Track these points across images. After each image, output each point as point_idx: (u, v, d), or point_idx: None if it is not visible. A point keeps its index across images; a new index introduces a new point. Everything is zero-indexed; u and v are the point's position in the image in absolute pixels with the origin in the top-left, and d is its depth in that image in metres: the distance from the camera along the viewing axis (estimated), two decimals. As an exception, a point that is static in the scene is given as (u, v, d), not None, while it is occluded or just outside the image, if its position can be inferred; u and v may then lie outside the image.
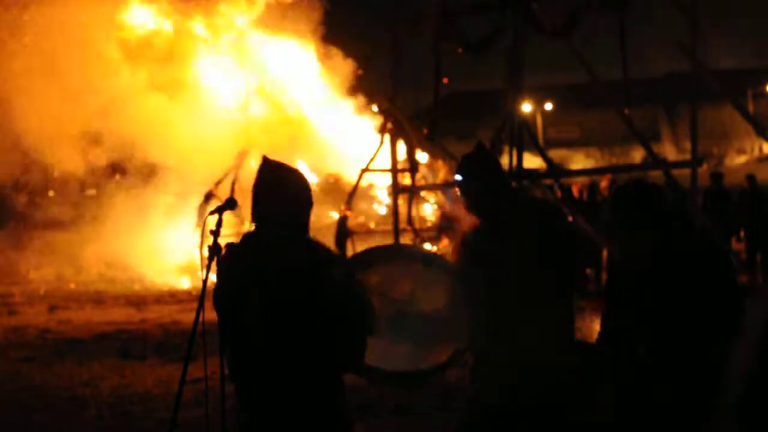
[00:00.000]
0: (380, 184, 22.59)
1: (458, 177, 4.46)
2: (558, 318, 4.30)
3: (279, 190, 3.76)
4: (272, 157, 3.86)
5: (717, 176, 16.93)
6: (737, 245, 16.66)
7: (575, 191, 18.14)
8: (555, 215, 4.47)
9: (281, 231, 3.73)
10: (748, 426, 3.53)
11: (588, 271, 14.88)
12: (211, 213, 3.86)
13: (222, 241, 3.75)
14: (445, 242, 17.48)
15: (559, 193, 17.50)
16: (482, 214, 4.43)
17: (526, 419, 4.24)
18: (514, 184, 14.57)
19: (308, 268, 3.65)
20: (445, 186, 20.26)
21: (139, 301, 17.44)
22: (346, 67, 22.48)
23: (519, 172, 16.25)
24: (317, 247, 3.76)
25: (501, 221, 4.37)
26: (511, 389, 4.23)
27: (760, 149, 38.13)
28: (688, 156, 17.89)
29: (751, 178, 16.22)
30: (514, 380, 4.21)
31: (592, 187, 17.35)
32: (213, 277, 3.75)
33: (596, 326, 4.37)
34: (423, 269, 4.35)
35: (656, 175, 16.67)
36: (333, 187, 21.92)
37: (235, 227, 18.25)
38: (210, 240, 3.72)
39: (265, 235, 3.76)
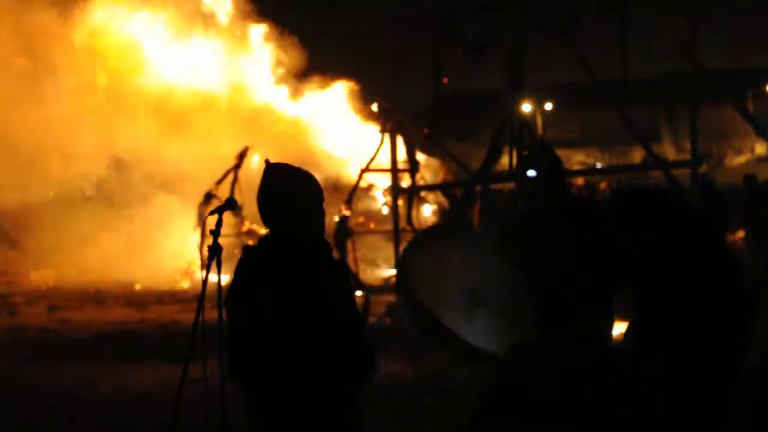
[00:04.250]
0: (380, 184, 22.59)
1: (531, 172, 4.59)
2: (594, 320, 4.36)
3: (286, 192, 3.72)
4: (274, 160, 3.83)
5: (704, 178, 16.71)
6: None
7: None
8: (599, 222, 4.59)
9: (293, 234, 3.69)
10: (762, 426, 3.53)
11: None
12: (211, 213, 3.85)
13: (222, 241, 3.74)
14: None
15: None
16: (543, 208, 4.58)
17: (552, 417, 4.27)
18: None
19: (319, 273, 3.64)
20: (445, 186, 20.26)
21: (139, 301, 17.44)
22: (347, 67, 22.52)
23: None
24: (328, 250, 3.76)
25: (558, 218, 4.52)
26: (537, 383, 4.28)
27: (753, 149, 38.11)
28: (688, 156, 17.87)
29: (750, 177, 16.16)
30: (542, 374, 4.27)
31: (592, 188, 17.34)
32: (213, 277, 3.74)
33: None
34: (489, 256, 4.37)
35: (656, 175, 16.65)
36: (333, 187, 21.93)
37: (235, 227, 18.28)
38: (210, 240, 3.71)
39: (278, 239, 3.73)
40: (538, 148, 4.81)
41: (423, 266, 4.13)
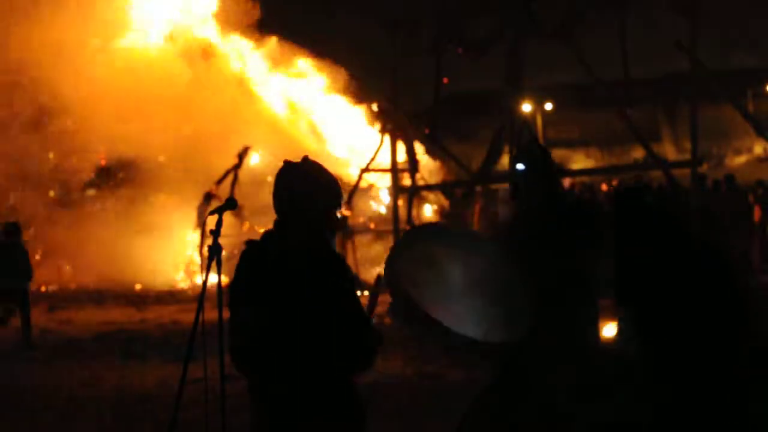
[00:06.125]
0: (380, 184, 22.62)
1: (520, 166, 4.61)
2: (584, 317, 4.40)
3: (301, 188, 3.73)
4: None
5: (701, 177, 16.43)
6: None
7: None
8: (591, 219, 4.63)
9: (299, 229, 3.70)
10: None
11: None
12: (211, 213, 3.85)
13: (222, 241, 3.74)
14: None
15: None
16: (533, 205, 4.60)
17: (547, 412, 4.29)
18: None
19: (319, 264, 3.64)
20: (445, 186, 20.27)
21: (139, 301, 17.45)
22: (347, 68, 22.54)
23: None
24: (328, 246, 3.76)
25: (547, 215, 4.53)
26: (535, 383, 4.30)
27: (752, 149, 38.13)
28: (688, 156, 17.90)
29: (729, 177, 15.96)
30: (539, 373, 4.29)
31: (592, 188, 17.34)
32: (213, 277, 3.74)
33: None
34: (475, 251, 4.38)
35: (656, 175, 16.67)
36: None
37: (235, 227, 18.28)
38: (210, 240, 3.71)
39: (283, 233, 3.74)
40: (528, 143, 4.88)
41: (411, 263, 4.15)
